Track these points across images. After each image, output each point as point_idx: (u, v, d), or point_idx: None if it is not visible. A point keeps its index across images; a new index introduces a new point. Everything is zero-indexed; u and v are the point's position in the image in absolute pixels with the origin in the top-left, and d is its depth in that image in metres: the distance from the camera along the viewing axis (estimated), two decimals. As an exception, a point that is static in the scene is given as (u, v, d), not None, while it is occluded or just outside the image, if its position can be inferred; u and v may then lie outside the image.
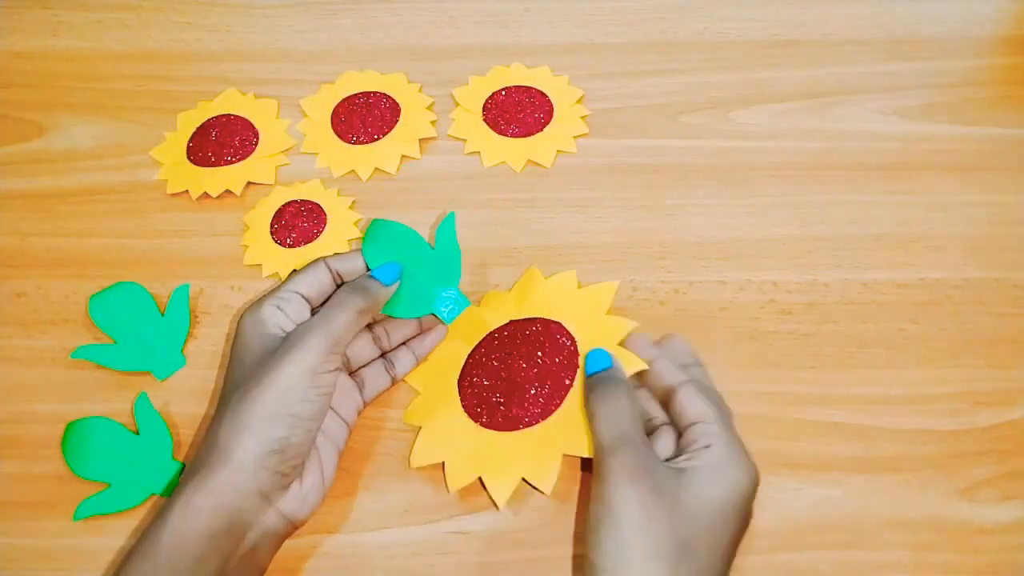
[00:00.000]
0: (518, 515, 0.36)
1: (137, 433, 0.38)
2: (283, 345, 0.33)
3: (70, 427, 0.38)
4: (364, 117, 0.50)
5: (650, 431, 0.35)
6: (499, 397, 0.37)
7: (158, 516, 0.31)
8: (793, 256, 0.44)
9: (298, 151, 0.49)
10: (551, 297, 0.40)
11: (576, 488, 0.36)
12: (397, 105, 0.51)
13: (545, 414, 0.36)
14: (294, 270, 0.38)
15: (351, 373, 0.38)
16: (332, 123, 0.50)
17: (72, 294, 0.43)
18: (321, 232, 0.45)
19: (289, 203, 0.46)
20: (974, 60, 0.53)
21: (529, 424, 0.36)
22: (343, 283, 0.37)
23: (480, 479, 0.36)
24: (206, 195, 0.47)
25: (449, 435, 0.37)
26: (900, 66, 0.52)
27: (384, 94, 0.51)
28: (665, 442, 0.34)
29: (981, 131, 0.49)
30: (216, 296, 0.43)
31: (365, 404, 0.38)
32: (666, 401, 0.35)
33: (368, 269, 0.37)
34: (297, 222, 0.46)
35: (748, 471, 0.32)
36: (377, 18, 0.56)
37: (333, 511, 0.36)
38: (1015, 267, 0.43)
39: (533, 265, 0.41)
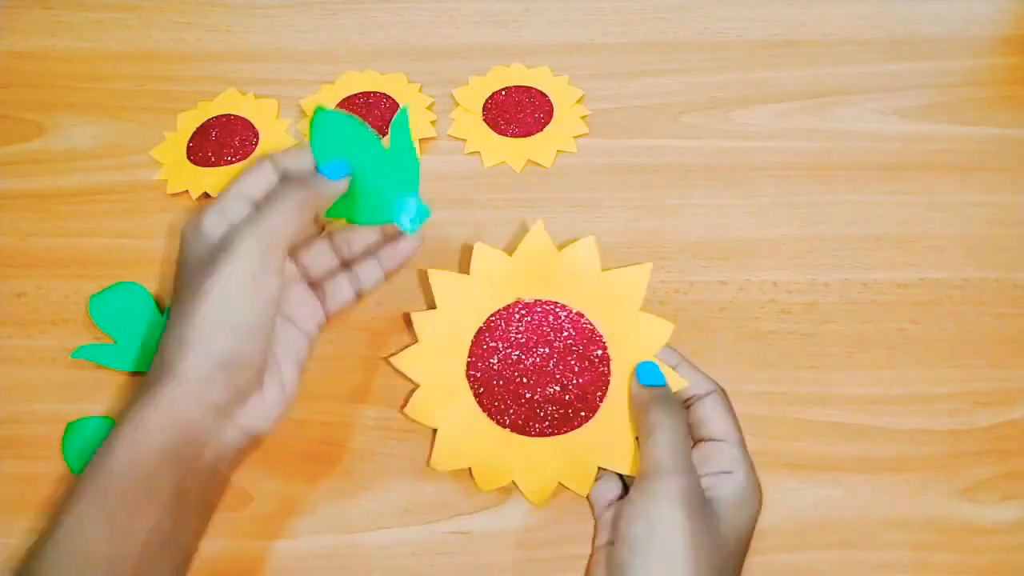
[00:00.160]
0: (518, 516, 0.36)
1: (137, 433, 0.38)
2: (216, 249, 0.31)
3: (70, 427, 0.38)
4: (364, 117, 0.50)
5: None
6: (520, 401, 0.35)
7: (108, 437, 0.30)
8: (793, 256, 0.44)
9: (298, 151, 0.49)
10: (569, 276, 0.36)
11: (576, 488, 0.36)
12: (397, 105, 0.51)
13: (575, 423, 0.35)
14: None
15: (312, 284, 0.37)
16: (332, 123, 0.50)
17: (72, 294, 0.43)
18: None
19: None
20: (974, 60, 0.53)
21: (556, 433, 0.35)
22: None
23: (513, 481, 0.35)
24: (206, 195, 0.47)
25: (471, 438, 0.35)
26: (900, 66, 0.52)
27: (384, 94, 0.51)
28: None
29: (981, 131, 0.49)
30: (216, 296, 0.43)
31: (327, 317, 0.37)
32: (685, 406, 0.34)
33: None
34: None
35: (760, 493, 0.32)
36: (377, 18, 0.56)
37: (333, 511, 0.36)
38: (1015, 267, 0.43)
39: (540, 221, 0.37)
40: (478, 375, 0.36)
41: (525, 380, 0.36)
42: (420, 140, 0.49)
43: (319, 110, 0.35)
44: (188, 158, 0.49)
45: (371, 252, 0.38)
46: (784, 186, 0.46)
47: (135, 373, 0.40)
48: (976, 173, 0.47)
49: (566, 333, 0.36)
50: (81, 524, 0.28)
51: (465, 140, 0.49)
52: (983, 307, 0.42)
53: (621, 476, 0.35)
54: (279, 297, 0.32)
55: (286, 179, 0.33)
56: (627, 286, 0.36)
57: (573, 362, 0.35)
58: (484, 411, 0.36)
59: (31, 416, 0.39)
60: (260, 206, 0.32)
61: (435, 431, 0.36)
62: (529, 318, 0.36)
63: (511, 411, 0.35)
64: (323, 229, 0.38)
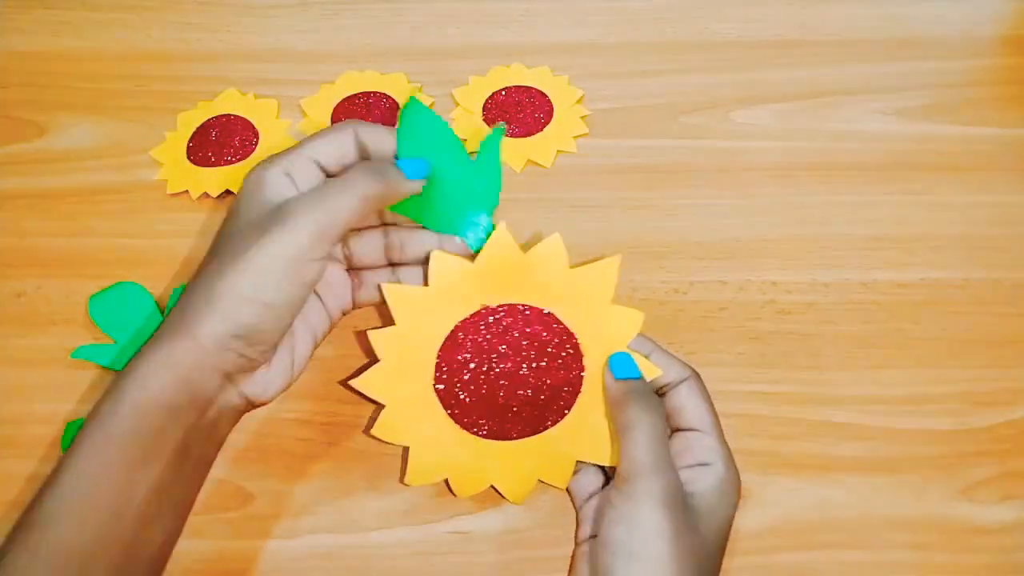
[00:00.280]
0: (518, 515, 0.36)
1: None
2: (270, 217, 0.30)
3: (70, 427, 0.38)
4: (364, 117, 0.50)
5: None
6: (494, 410, 0.34)
7: (115, 387, 0.29)
8: (793, 256, 0.44)
9: (298, 151, 0.49)
10: (535, 276, 0.34)
11: (576, 488, 0.36)
12: (397, 105, 0.51)
13: (550, 421, 0.35)
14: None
15: (350, 268, 0.36)
16: (332, 123, 0.50)
17: (72, 294, 0.43)
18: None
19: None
20: (974, 60, 0.53)
21: (532, 433, 0.35)
22: (367, 158, 0.33)
23: (492, 485, 0.35)
24: (206, 195, 0.47)
25: (445, 450, 0.35)
26: (900, 66, 0.52)
27: (384, 94, 0.51)
28: None
29: (981, 131, 0.49)
30: (216, 296, 0.43)
31: (355, 306, 0.36)
32: (659, 394, 0.34)
33: (396, 156, 0.33)
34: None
35: (738, 484, 0.32)
36: (377, 18, 0.56)
37: (333, 511, 0.36)
38: (1015, 267, 0.43)
39: (502, 222, 0.34)
40: (447, 389, 0.34)
41: (497, 388, 0.34)
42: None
43: (413, 100, 0.34)
44: (188, 158, 0.48)
45: (421, 261, 0.36)
46: (784, 186, 0.46)
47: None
48: (976, 173, 0.47)
49: (535, 335, 0.34)
50: (86, 475, 0.28)
51: (465, 140, 0.49)
52: (983, 307, 0.42)
53: (602, 467, 0.35)
54: (317, 281, 0.31)
55: (363, 163, 0.32)
56: (597, 280, 0.34)
57: (545, 363, 0.34)
58: (457, 424, 0.35)
59: (31, 416, 0.39)
60: (327, 185, 0.31)
61: (406, 448, 0.35)
62: (496, 325, 0.34)
63: (485, 421, 0.34)
64: (382, 221, 0.36)
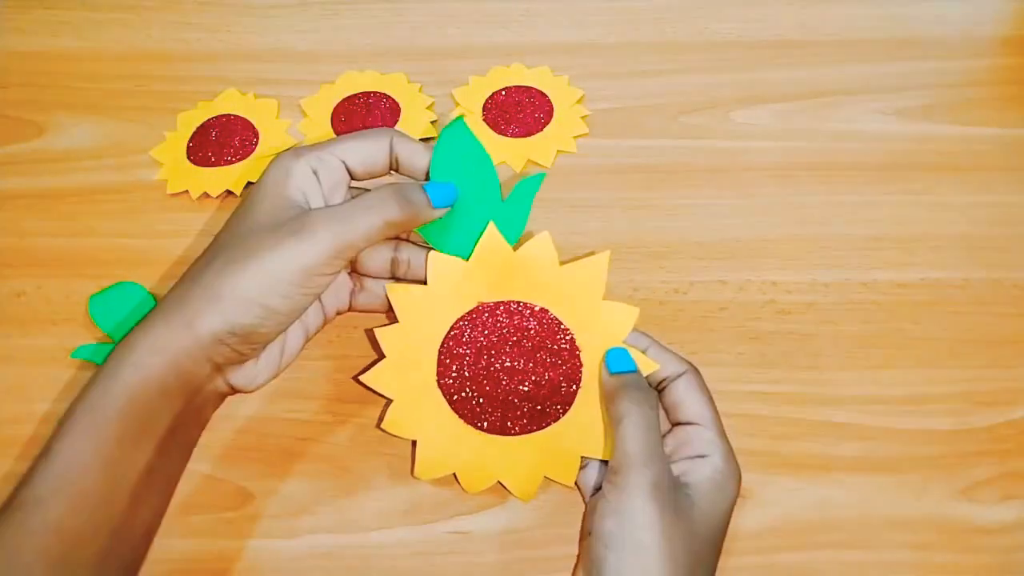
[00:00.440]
0: (518, 515, 0.36)
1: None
2: (290, 224, 0.30)
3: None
4: (364, 117, 0.50)
5: None
6: (495, 404, 0.35)
7: (108, 369, 0.30)
8: (793, 256, 0.44)
9: (298, 151, 0.49)
10: (528, 273, 0.35)
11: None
12: (397, 105, 0.51)
13: (552, 417, 0.35)
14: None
15: (352, 272, 0.36)
16: (332, 123, 0.50)
17: (72, 294, 0.43)
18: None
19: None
20: (974, 60, 0.53)
21: (536, 428, 0.35)
22: (396, 169, 0.34)
23: (499, 481, 0.35)
24: (206, 195, 0.47)
25: (451, 444, 0.35)
26: (900, 66, 0.52)
27: (384, 94, 0.51)
28: None
29: (981, 131, 0.49)
30: (216, 296, 0.43)
31: (351, 309, 0.36)
32: (659, 389, 0.34)
33: (428, 176, 0.33)
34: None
35: (738, 478, 0.32)
36: (377, 18, 0.56)
37: (333, 511, 0.36)
38: (1015, 267, 0.43)
39: (491, 223, 0.35)
40: (449, 383, 0.35)
41: (497, 382, 0.35)
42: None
43: (459, 120, 0.34)
44: (188, 158, 0.48)
45: (423, 281, 0.36)
46: (784, 186, 0.46)
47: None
48: (976, 173, 0.47)
49: (532, 330, 0.35)
50: (78, 455, 0.28)
51: (465, 140, 0.49)
52: (983, 307, 0.42)
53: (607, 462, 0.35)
54: (321, 293, 0.32)
55: (390, 186, 0.32)
56: (587, 276, 0.35)
57: (543, 358, 0.35)
58: (460, 418, 0.35)
59: (31, 416, 0.39)
60: (351, 204, 0.31)
61: (414, 442, 0.36)
62: (493, 320, 0.35)
63: (487, 414, 0.35)
64: (398, 242, 0.37)
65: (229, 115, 0.50)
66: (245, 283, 0.30)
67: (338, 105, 0.51)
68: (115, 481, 0.29)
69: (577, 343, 0.35)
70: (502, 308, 0.35)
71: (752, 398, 0.39)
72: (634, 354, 0.34)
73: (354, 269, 0.37)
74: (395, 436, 0.36)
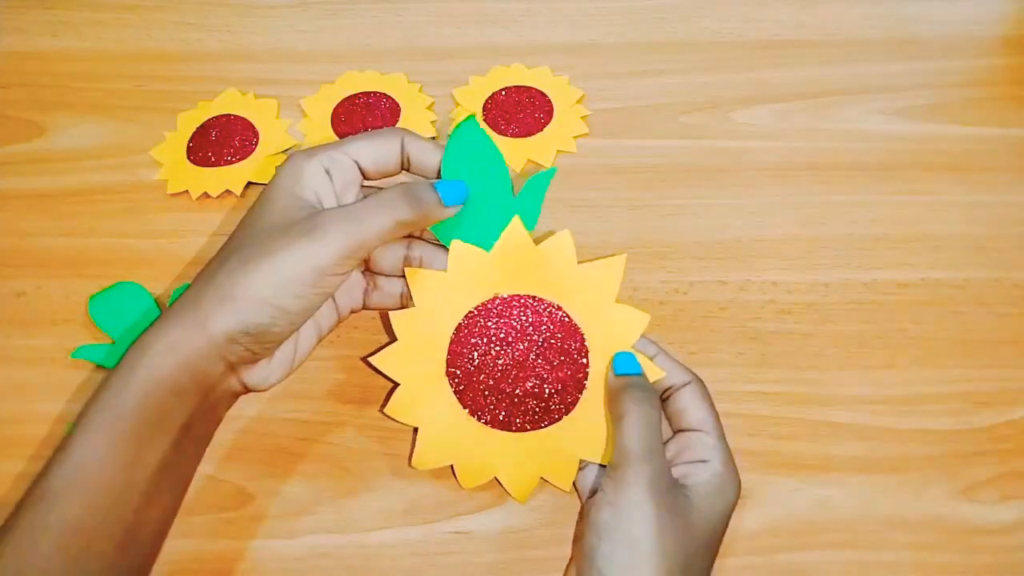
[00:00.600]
0: (518, 515, 0.36)
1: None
2: (302, 224, 0.30)
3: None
4: (364, 117, 0.50)
5: None
6: (500, 397, 0.35)
7: (124, 368, 0.30)
8: (793, 256, 0.44)
9: (298, 151, 0.49)
10: (545, 270, 0.35)
11: (576, 488, 0.36)
12: (397, 105, 0.51)
13: (555, 416, 0.35)
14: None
15: (365, 270, 0.36)
16: (332, 123, 0.50)
17: (72, 294, 0.43)
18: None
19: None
20: (975, 60, 0.53)
21: (537, 427, 0.35)
22: (408, 168, 0.34)
23: (496, 477, 0.35)
24: (206, 195, 0.47)
25: (452, 435, 0.36)
26: (900, 66, 0.52)
27: (384, 94, 0.51)
28: None
29: (981, 131, 0.49)
30: (216, 296, 0.43)
31: (364, 308, 0.37)
32: (663, 398, 0.34)
33: (439, 175, 0.34)
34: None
35: (737, 484, 0.32)
36: (377, 18, 0.56)
37: (333, 511, 0.36)
38: (1015, 267, 0.43)
39: (516, 216, 0.35)
40: (458, 372, 0.36)
41: (505, 375, 0.35)
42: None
43: (471, 119, 0.34)
44: (188, 158, 0.48)
45: None
46: (784, 186, 0.46)
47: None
48: (976, 173, 0.47)
49: (544, 327, 0.35)
50: (94, 452, 0.29)
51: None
52: (983, 307, 0.42)
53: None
54: (333, 293, 0.32)
55: (402, 185, 0.32)
56: (603, 277, 0.35)
57: (552, 355, 0.35)
58: (465, 408, 0.35)
59: (31, 416, 0.39)
60: (363, 203, 0.31)
61: (416, 429, 0.36)
62: (507, 313, 0.36)
63: (491, 407, 0.35)
64: (410, 241, 0.37)
65: (229, 115, 0.50)
66: (258, 283, 0.30)
67: (338, 105, 0.51)
68: (130, 478, 0.29)
69: (587, 344, 0.35)
70: (517, 301, 0.36)
71: (752, 398, 0.39)
72: (641, 360, 0.34)
73: (368, 268, 0.37)
74: (396, 421, 0.36)
